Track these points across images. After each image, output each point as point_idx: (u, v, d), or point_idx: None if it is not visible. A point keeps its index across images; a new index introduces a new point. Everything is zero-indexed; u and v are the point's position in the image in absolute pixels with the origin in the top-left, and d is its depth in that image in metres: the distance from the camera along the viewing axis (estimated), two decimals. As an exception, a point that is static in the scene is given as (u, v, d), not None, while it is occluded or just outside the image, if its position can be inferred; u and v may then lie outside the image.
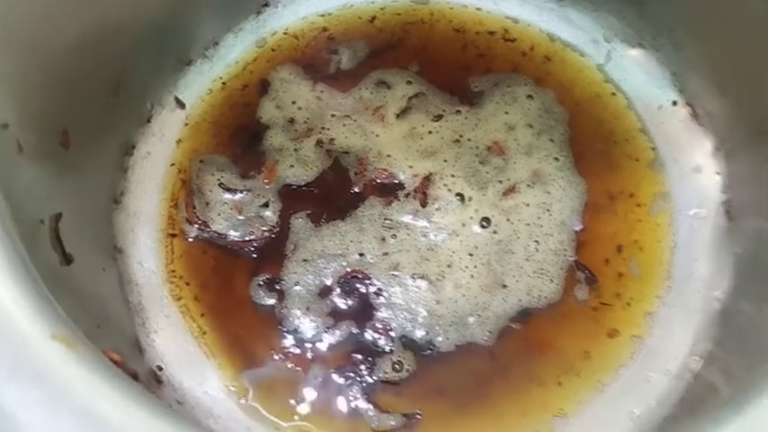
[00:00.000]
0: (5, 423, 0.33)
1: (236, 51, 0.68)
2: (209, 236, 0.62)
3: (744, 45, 0.56)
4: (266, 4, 0.69)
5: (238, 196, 0.63)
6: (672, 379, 0.56)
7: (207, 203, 0.63)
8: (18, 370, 0.34)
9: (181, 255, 0.61)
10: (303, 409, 0.56)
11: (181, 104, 0.66)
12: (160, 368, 0.57)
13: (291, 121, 0.65)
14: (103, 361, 0.35)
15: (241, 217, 0.62)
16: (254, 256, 0.61)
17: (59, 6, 0.50)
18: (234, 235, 0.62)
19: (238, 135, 0.65)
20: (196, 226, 0.62)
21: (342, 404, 0.56)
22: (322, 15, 0.69)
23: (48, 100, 0.50)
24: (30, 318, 0.35)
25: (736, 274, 0.57)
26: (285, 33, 0.69)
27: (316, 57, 0.68)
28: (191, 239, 0.62)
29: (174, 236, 0.62)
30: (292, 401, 0.56)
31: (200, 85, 0.67)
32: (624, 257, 0.60)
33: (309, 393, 0.57)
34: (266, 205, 0.62)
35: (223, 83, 0.67)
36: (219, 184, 0.63)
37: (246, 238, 0.62)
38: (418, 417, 0.56)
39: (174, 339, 0.59)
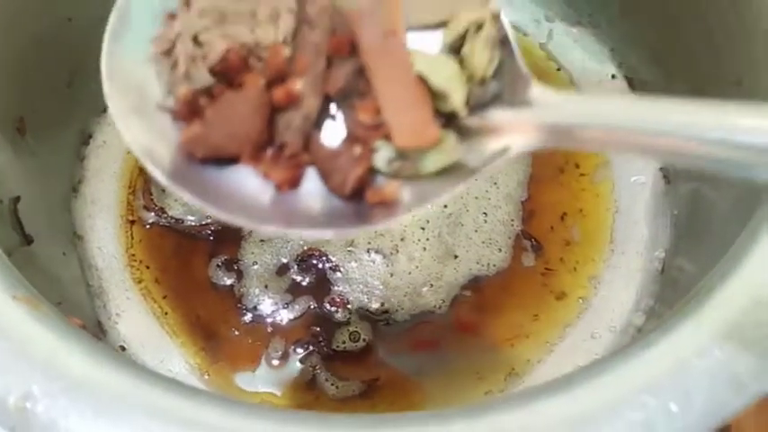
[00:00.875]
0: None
1: (188, 41, 0.69)
2: (166, 221, 0.63)
3: (673, 15, 0.59)
4: (216, -5, 0.71)
5: (196, 183, 0.64)
6: (617, 335, 0.58)
7: (163, 190, 0.64)
8: (-20, 328, 0.35)
9: (140, 239, 0.63)
10: (266, 381, 0.58)
11: (135, 94, 0.67)
12: (123, 348, 0.59)
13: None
14: (65, 320, 0.37)
15: (198, 203, 0.64)
16: (212, 238, 0.63)
17: (15, 3, 0.52)
18: (191, 219, 0.63)
19: (194, 123, 0.67)
20: (153, 212, 0.63)
21: (303, 374, 0.58)
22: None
23: (2, 89, 0.51)
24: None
25: (674, 233, 0.60)
26: (236, 23, 0.70)
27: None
28: (148, 226, 0.63)
29: (132, 222, 0.63)
30: (255, 374, 0.58)
31: (155, 74, 0.68)
32: (568, 225, 0.62)
33: (271, 366, 0.58)
34: (223, 190, 0.64)
35: (177, 72, 0.68)
36: (176, 172, 0.64)
37: (204, 222, 0.63)
38: (376, 383, 0.58)
39: (136, 321, 0.60)
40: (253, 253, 0.62)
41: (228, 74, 0.36)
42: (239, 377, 0.58)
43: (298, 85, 0.35)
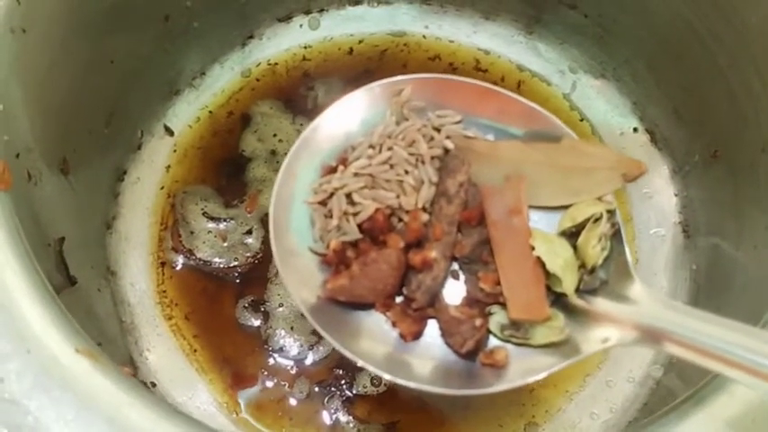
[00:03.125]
0: (38, 429, 0.36)
1: (222, 81, 0.71)
2: (195, 263, 0.64)
3: (695, 75, 0.60)
4: (251, 36, 0.73)
5: (222, 225, 0.66)
6: (635, 386, 0.60)
7: (192, 232, 0.65)
8: (48, 380, 0.37)
9: (171, 276, 0.64)
10: (290, 420, 0.59)
11: (170, 132, 0.69)
12: (153, 384, 0.60)
13: (273, 152, 0.68)
14: (121, 371, 0.38)
15: (225, 244, 0.65)
16: (239, 281, 0.64)
17: (64, 48, 0.54)
18: (219, 261, 0.65)
19: (223, 165, 0.68)
20: (182, 254, 0.65)
21: (325, 415, 0.59)
22: (303, 47, 0.73)
23: (50, 131, 0.53)
24: (55, 333, 0.38)
25: (693, 287, 0.62)
26: (269, 64, 0.72)
27: (294, 93, 0.71)
28: (178, 267, 0.65)
29: (163, 263, 0.65)
30: (279, 413, 0.59)
31: (188, 113, 0.70)
32: (590, 275, 0.64)
33: (295, 406, 0.60)
34: (249, 232, 0.65)
35: (210, 111, 0.70)
36: (203, 214, 0.66)
37: (231, 264, 0.64)
38: (397, 426, 0.59)
39: (166, 357, 0.61)
40: (279, 295, 0.63)
41: (374, 232, 0.42)
42: (264, 416, 0.59)
43: (433, 253, 0.41)
